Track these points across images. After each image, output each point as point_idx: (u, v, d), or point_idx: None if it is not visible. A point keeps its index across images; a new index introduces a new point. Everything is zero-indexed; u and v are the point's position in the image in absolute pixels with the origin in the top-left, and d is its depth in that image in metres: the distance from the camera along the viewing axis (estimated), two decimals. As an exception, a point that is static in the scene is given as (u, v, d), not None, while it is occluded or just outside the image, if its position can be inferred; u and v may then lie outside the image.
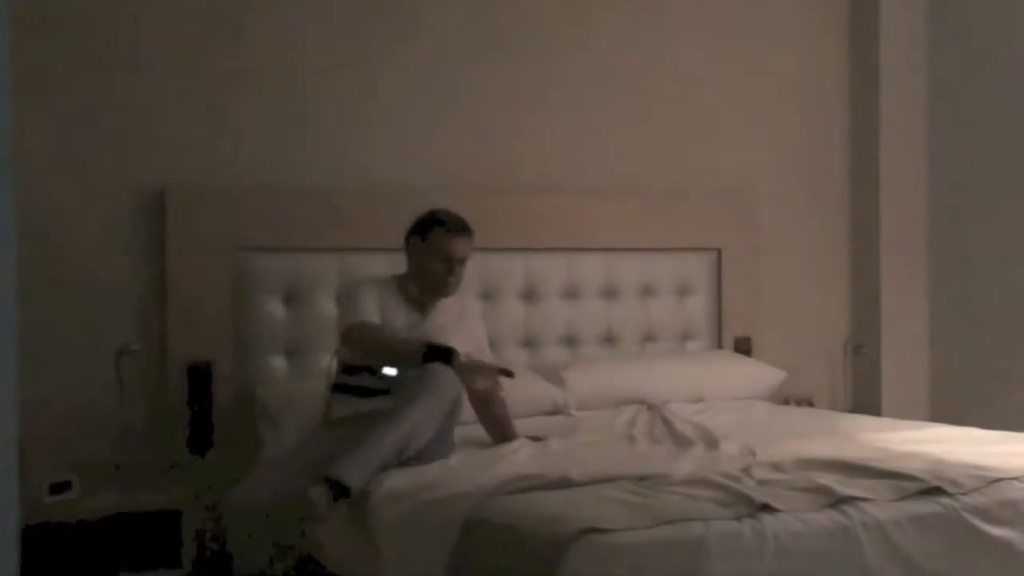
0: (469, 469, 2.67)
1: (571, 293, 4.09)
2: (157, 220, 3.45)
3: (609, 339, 4.16)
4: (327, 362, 3.16)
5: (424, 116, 3.91)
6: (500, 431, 3.10)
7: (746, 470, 2.55)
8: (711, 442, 2.98)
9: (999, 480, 2.47)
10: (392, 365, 2.90)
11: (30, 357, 2.64)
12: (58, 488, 2.96)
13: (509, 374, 2.98)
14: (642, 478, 2.48)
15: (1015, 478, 2.50)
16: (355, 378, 2.95)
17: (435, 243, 3.06)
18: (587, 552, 1.99)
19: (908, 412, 4.40)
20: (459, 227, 3.10)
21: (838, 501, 2.26)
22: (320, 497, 2.53)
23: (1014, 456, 2.69)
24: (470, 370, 2.88)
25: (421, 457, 2.72)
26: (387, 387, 2.87)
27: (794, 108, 4.69)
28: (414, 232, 3.12)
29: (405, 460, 2.69)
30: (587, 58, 4.23)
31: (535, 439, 3.06)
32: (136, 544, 3.23)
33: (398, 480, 2.59)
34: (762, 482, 2.42)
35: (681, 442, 3.02)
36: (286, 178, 3.67)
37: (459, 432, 2.98)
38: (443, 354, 2.84)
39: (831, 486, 2.32)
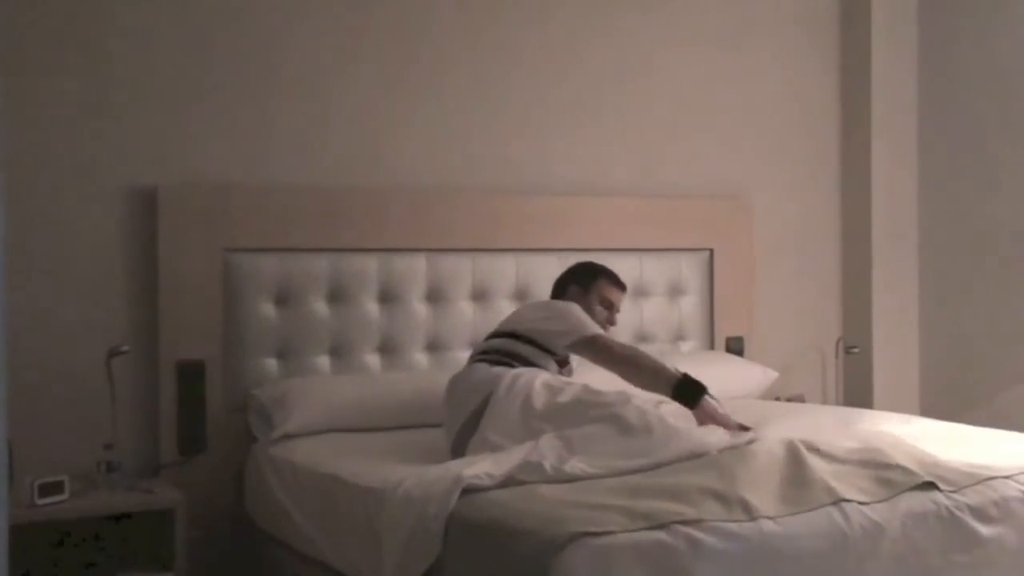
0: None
1: (564, 293, 4.09)
2: (148, 220, 3.44)
3: (602, 339, 4.15)
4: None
5: (420, 116, 3.90)
6: None
7: (736, 452, 2.56)
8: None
9: (991, 479, 2.48)
10: (638, 382, 2.94)
11: (20, 357, 2.64)
12: (48, 489, 2.94)
13: (747, 429, 2.81)
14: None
15: (1007, 477, 2.50)
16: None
17: (600, 290, 3.27)
18: (581, 553, 1.99)
19: (899, 411, 4.40)
20: (621, 281, 3.35)
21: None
22: None
23: (1006, 455, 2.69)
24: (710, 416, 2.80)
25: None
26: None
27: (786, 109, 4.70)
28: (574, 282, 3.31)
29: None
30: (585, 61, 4.23)
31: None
32: (128, 546, 3.23)
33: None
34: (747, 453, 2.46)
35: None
36: (278, 178, 3.66)
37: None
38: (695, 389, 2.84)
39: (817, 488, 2.31)
